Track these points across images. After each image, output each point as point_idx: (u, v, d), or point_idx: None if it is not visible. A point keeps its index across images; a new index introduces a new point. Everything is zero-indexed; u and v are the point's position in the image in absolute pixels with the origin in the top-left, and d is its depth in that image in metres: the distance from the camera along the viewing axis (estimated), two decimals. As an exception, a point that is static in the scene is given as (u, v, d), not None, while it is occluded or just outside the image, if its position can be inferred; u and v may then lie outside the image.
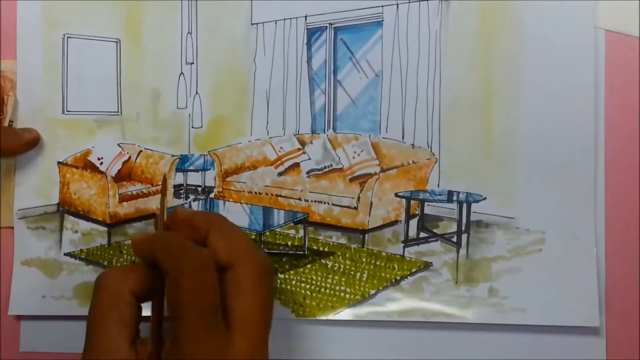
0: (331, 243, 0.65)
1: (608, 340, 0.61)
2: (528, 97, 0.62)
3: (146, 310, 0.50)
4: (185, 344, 0.44)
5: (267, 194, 0.67)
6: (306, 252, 0.65)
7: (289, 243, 0.66)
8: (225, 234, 0.49)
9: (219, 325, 0.46)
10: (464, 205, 0.63)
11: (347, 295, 0.63)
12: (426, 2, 0.64)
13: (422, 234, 0.64)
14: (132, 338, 0.48)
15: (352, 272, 0.64)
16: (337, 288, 0.63)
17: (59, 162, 0.67)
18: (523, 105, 0.62)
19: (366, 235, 0.65)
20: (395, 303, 0.63)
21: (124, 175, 0.68)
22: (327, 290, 0.63)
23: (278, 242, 0.66)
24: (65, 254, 0.66)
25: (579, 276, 0.61)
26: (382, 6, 0.65)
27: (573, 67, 0.62)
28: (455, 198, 0.63)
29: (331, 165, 0.66)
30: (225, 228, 0.51)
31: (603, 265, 0.61)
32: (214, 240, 0.49)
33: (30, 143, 0.65)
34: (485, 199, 0.62)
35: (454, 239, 0.63)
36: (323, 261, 0.64)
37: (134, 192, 0.69)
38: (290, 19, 0.66)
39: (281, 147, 0.66)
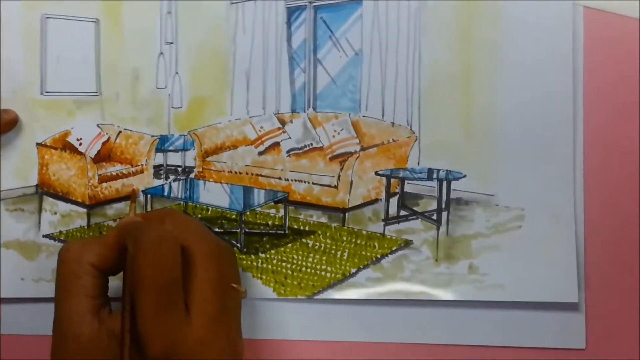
0: (312, 222, 0.65)
1: (587, 316, 0.61)
2: (507, 75, 0.62)
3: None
4: (143, 318, 0.45)
5: (247, 174, 0.66)
6: (287, 232, 0.65)
7: (270, 222, 0.66)
8: (178, 222, 0.52)
9: (177, 302, 0.47)
10: (444, 183, 0.63)
11: (328, 274, 0.63)
12: (405, -20, 0.64)
13: (403, 212, 0.64)
14: (95, 308, 0.49)
15: (333, 251, 0.64)
16: (318, 267, 0.63)
17: (37, 143, 0.66)
18: (502, 83, 0.62)
19: (346, 214, 0.65)
20: (376, 281, 0.63)
21: (104, 156, 0.68)
22: (308, 270, 0.63)
23: (259, 221, 0.66)
24: (44, 236, 0.66)
25: (558, 252, 0.61)
26: (362, -16, 0.64)
27: (552, 45, 0.62)
28: (435, 176, 0.63)
29: (311, 144, 0.66)
30: (178, 218, 0.53)
31: (582, 241, 0.61)
32: (169, 230, 0.50)
33: (9, 124, 0.65)
34: (465, 176, 0.62)
35: (434, 217, 0.63)
36: (304, 240, 0.64)
37: (114, 173, 0.68)
38: (270, -2, 0.66)
39: (261, 127, 0.66)
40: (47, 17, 0.66)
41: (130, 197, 0.61)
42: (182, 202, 0.67)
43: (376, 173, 0.65)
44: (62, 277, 0.50)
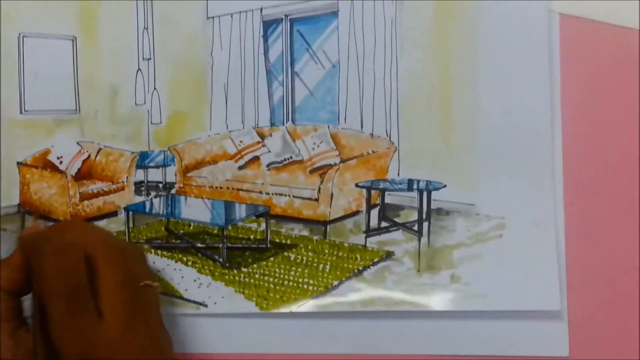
0: (293, 235, 0.65)
1: (570, 324, 0.61)
2: (485, 84, 0.62)
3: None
4: (55, 326, 0.46)
5: (228, 188, 0.66)
6: (268, 246, 0.65)
7: (252, 237, 0.66)
8: (79, 231, 0.52)
9: (87, 306, 0.48)
10: (424, 193, 0.63)
11: (310, 287, 0.63)
12: (381, -10, 0.63)
13: (384, 224, 0.64)
14: (11, 331, 0.51)
15: (315, 264, 0.64)
16: (300, 280, 0.63)
17: (18, 163, 0.66)
18: (480, 92, 0.62)
19: (328, 227, 0.65)
20: (358, 293, 0.62)
21: (84, 173, 0.68)
22: (290, 283, 0.63)
23: (240, 236, 0.66)
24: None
25: (539, 261, 0.61)
26: (338, -4, 0.64)
27: (528, 53, 0.62)
28: (415, 186, 0.63)
29: (291, 158, 0.66)
30: (78, 227, 0.55)
31: (563, 249, 0.61)
32: (70, 237, 0.51)
33: None
34: (445, 186, 0.62)
35: (415, 228, 0.63)
36: (285, 254, 0.64)
37: (95, 191, 0.68)
38: (246, 11, 0.66)
39: (241, 141, 0.66)
40: (24, 36, 0.66)
41: (33, 214, 0.61)
42: (163, 218, 0.67)
43: (356, 185, 0.65)
44: None
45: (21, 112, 0.66)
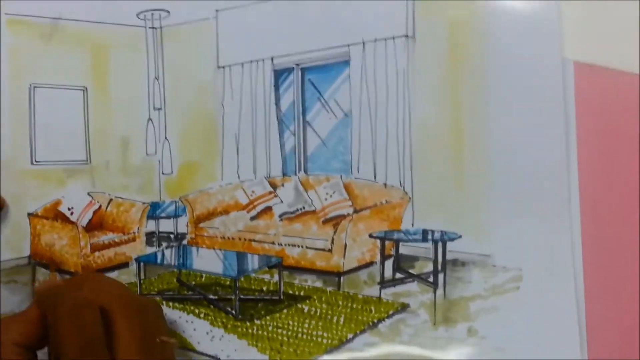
0: (307, 287, 0.64)
1: (590, 378, 0.60)
2: (498, 132, 0.61)
3: None
4: None
5: (240, 239, 0.66)
6: (282, 297, 0.64)
7: (264, 288, 0.65)
8: (96, 286, 0.52)
9: None
10: (439, 244, 0.62)
11: (324, 340, 0.62)
12: (392, 40, 0.63)
13: (398, 275, 0.63)
14: None
15: (329, 316, 0.63)
16: (314, 333, 0.62)
17: (29, 214, 0.66)
18: (493, 140, 0.61)
19: (342, 278, 0.64)
20: (373, 347, 0.61)
21: (95, 224, 0.67)
22: (304, 336, 0.62)
23: (253, 287, 0.65)
24: (36, 307, 0.65)
25: (558, 313, 0.60)
26: (349, 45, 0.64)
27: (542, 100, 0.61)
28: (430, 237, 0.62)
29: (304, 208, 0.65)
30: (96, 281, 0.53)
31: (582, 301, 0.60)
32: (88, 294, 0.50)
33: None
34: (460, 237, 0.61)
35: (431, 279, 0.62)
36: (299, 306, 0.63)
37: (106, 242, 0.68)
38: (257, 60, 0.66)
39: (252, 191, 0.65)
40: (35, 87, 0.66)
41: (49, 267, 0.60)
42: (175, 269, 0.66)
43: (370, 235, 0.64)
44: None
45: (32, 163, 0.66)
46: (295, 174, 0.64)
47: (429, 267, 0.63)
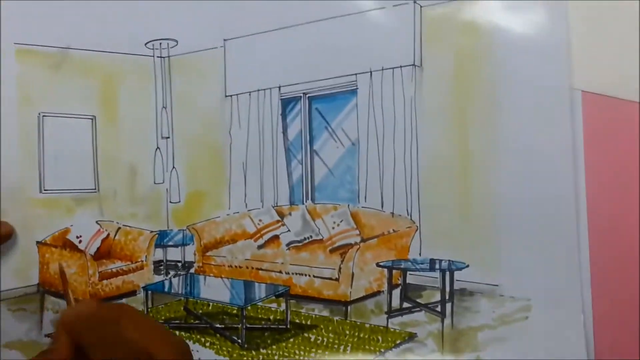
0: (313, 316, 0.64)
1: (600, 409, 0.59)
2: (505, 160, 0.61)
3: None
4: None
5: (247, 268, 0.66)
6: (288, 326, 0.64)
7: (271, 317, 0.65)
8: (137, 324, 0.49)
9: None
10: (447, 273, 0.62)
11: (332, 370, 0.62)
12: (400, 68, 0.63)
13: (406, 304, 0.63)
14: None
15: (336, 346, 0.62)
16: (321, 362, 0.62)
17: (37, 242, 0.66)
18: (501, 169, 0.61)
19: (349, 307, 0.64)
20: (381, 377, 0.61)
21: (104, 252, 0.67)
22: (311, 365, 0.62)
23: (260, 316, 0.65)
24: (46, 335, 0.65)
25: (566, 343, 0.59)
26: (356, 74, 0.64)
27: (550, 129, 0.61)
28: (437, 266, 0.62)
29: (311, 237, 0.65)
30: (136, 318, 0.50)
31: (591, 331, 0.60)
32: (127, 332, 0.48)
33: (4, 237, 0.64)
34: (468, 266, 0.61)
35: (438, 309, 0.62)
36: (306, 335, 0.63)
37: (114, 270, 0.68)
38: (264, 89, 0.66)
39: (260, 220, 0.66)
40: (44, 116, 0.67)
41: (61, 277, 0.59)
42: (182, 298, 0.66)
43: (378, 264, 0.64)
44: None
45: (40, 191, 0.66)
46: (303, 203, 0.64)
47: (437, 296, 0.62)
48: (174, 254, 0.66)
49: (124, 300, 0.65)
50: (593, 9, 0.61)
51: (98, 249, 0.67)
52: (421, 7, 0.62)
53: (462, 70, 0.62)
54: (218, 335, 0.64)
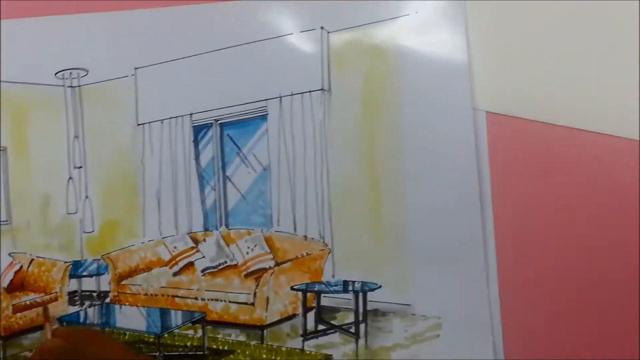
0: (230, 341, 0.64)
1: None
2: (413, 182, 0.62)
3: None
4: None
5: (163, 295, 0.65)
6: (205, 352, 0.64)
7: (189, 344, 0.65)
8: (104, 347, 0.52)
9: None
10: (360, 294, 0.62)
11: (249, 395, 0.62)
12: (309, 93, 0.64)
13: (320, 327, 0.64)
14: None
15: (253, 370, 0.62)
16: (239, 388, 0.62)
17: (-52, 277, 0.65)
18: (409, 191, 0.62)
19: (265, 331, 0.64)
20: (297, 400, 0.61)
21: (17, 285, 0.67)
22: (229, 391, 0.62)
23: (177, 343, 0.64)
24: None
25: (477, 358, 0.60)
26: (266, 99, 0.65)
27: (455, 150, 0.62)
28: (351, 288, 0.63)
29: (226, 262, 0.65)
30: (102, 341, 0.54)
31: (501, 349, 0.61)
32: (95, 357, 0.50)
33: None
34: (380, 287, 0.62)
35: (352, 330, 0.62)
36: (223, 361, 0.63)
37: (28, 302, 0.67)
38: (176, 117, 0.66)
39: (175, 247, 0.66)
40: (-46, 149, 0.66)
41: (44, 315, 0.59)
42: (99, 328, 0.66)
43: (292, 288, 0.64)
44: None
45: (-48, 225, 0.65)
46: (217, 229, 0.64)
47: (351, 317, 0.63)
48: (89, 284, 0.65)
49: (38, 334, 0.64)
50: (495, 32, 0.62)
51: (11, 281, 0.66)
52: (328, 32, 0.63)
53: (369, 93, 0.63)
54: (135, 364, 0.63)
